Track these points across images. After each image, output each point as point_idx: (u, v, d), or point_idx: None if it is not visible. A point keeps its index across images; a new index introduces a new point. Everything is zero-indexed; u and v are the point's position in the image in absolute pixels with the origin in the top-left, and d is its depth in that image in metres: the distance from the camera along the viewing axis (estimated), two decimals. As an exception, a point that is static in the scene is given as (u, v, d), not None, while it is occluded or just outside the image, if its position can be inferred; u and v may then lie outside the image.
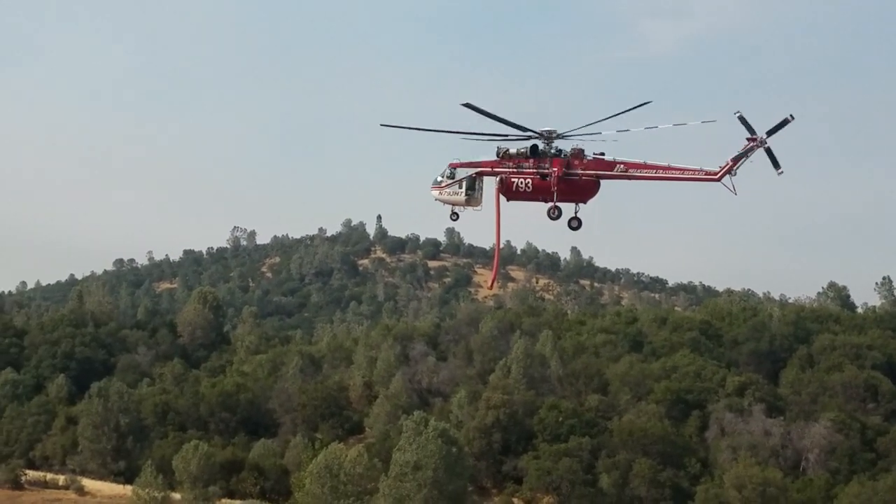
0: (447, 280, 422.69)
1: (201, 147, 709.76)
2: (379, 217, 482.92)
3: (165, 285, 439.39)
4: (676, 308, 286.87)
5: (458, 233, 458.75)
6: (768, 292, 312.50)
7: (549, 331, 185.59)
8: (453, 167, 37.07)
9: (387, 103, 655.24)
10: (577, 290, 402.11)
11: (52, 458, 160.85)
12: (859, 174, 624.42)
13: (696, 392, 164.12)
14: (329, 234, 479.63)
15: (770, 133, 36.38)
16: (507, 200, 36.83)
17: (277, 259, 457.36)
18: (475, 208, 39.82)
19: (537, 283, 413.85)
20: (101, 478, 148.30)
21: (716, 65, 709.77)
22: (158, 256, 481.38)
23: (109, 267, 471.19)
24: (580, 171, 35.76)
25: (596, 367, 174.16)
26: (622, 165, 36.04)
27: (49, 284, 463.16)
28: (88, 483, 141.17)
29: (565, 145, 37.55)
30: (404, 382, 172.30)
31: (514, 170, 35.87)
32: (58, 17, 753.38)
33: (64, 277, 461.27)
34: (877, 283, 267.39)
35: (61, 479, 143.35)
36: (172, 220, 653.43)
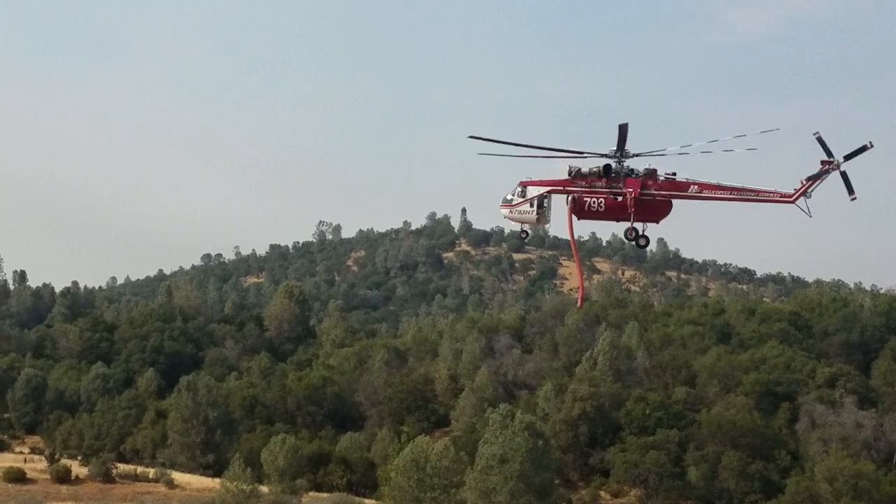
0: (532, 272, 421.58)
1: (288, 141, 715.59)
2: (464, 210, 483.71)
3: (252, 280, 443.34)
4: (765, 299, 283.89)
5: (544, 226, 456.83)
6: (859, 282, 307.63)
7: (635, 322, 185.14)
8: (524, 185, 36.82)
9: (474, 93, 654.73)
10: (663, 282, 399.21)
11: (142, 452, 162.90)
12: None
13: (786, 384, 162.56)
14: (414, 227, 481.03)
15: (847, 157, 35.53)
16: (579, 219, 36.76)
17: (363, 252, 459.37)
18: (545, 226, 40.27)
19: (623, 274, 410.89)
20: (191, 471, 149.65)
21: (806, 48, 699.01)
22: (245, 251, 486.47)
23: (197, 262, 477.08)
24: (654, 192, 35.26)
25: (683, 359, 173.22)
26: (696, 186, 35.58)
27: (138, 280, 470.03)
28: (178, 476, 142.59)
29: (636, 165, 37.05)
30: (490, 375, 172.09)
31: (587, 189, 35.46)
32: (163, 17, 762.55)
33: (153, 273, 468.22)
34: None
35: (151, 472, 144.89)
36: (259, 214, 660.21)
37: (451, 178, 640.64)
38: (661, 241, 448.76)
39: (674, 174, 36.57)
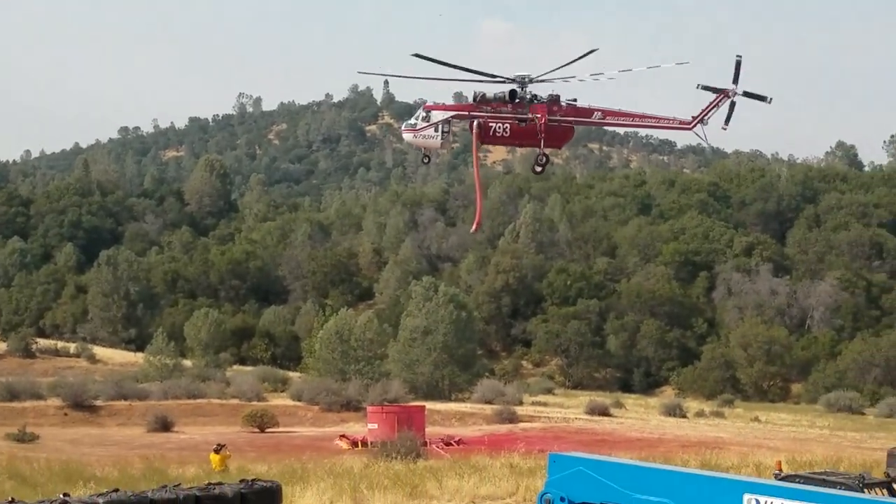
0: (456, 146, 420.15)
1: (207, 9, 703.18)
2: (386, 82, 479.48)
3: (171, 153, 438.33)
4: (685, 170, 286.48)
5: (467, 98, 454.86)
6: (776, 153, 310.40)
7: (557, 195, 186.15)
8: (428, 109, 35.75)
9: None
10: (585, 154, 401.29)
11: (62, 327, 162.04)
12: (869, 28, 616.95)
13: (704, 253, 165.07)
14: (336, 99, 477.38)
15: (746, 95, 35.66)
16: (483, 144, 36.52)
17: (284, 126, 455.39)
18: (447, 151, 39.56)
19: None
20: (112, 346, 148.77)
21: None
22: (164, 124, 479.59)
23: (115, 135, 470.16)
24: (559, 118, 34.88)
25: (604, 231, 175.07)
26: (600, 113, 35.09)
27: (54, 153, 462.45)
28: (99, 351, 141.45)
29: (540, 91, 35.99)
30: (413, 248, 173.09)
31: (492, 114, 34.75)
32: None
33: (69, 146, 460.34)
34: (885, 142, 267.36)
35: (72, 346, 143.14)
36: (177, 86, 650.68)
37: (374, 49, 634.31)
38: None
39: (574, 100, 35.91)
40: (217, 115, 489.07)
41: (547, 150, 34.82)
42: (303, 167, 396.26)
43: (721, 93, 35.04)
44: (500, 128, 34.64)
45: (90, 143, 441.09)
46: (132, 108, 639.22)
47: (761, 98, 35.02)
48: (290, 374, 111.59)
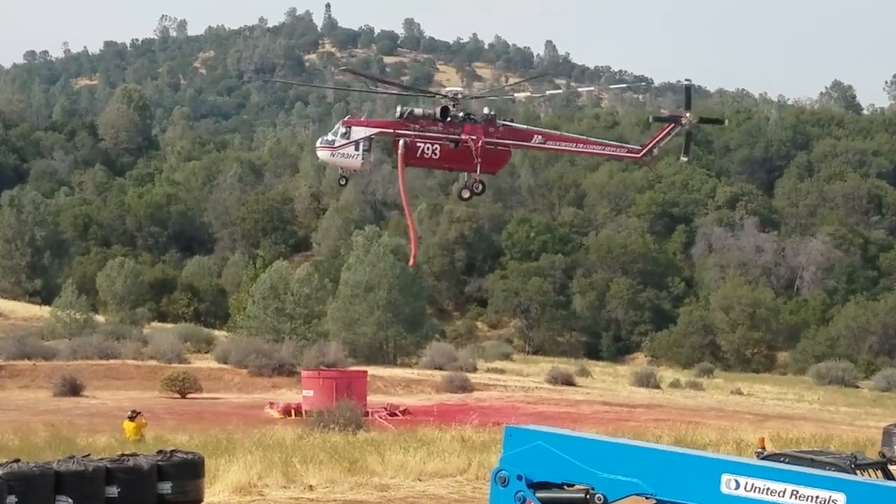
0: (405, 79, 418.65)
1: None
2: (328, 6, 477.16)
3: (84, 82, 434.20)
4: (662, 111, 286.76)
5: (419, 24, 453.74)
6: (765, 93, 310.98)
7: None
8: (349, 125, 35.68)
9: None
10: (551, 91, 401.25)
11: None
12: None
13: (683, 205, 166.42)
14: (270, 24, 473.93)
15: (702, 121, 36.61)
16: (409, 166, 36.08)
17: (212, 53, 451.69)
18: (368, 172, 38.34)
19: (507, 82, 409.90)
20: (15, 297, 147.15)
21: None
22: (76, 49, 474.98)
23: (19, 60, 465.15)
24: (495, 140, 34.71)
25: (571, 178, 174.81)
26: (540, 136, 35.33)
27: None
28: (1, 304, 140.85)
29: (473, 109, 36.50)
30: (356, 194, 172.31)
31: (421, 133, 34.53)
32: None
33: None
34: (886, 83, 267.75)
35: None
36: (91, 5, 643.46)
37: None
38: (550, 44, 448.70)
39: (511, 120, 36.23)
40: (136, 39, 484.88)
41: (482, 177, 34.70)
42: (232, 100, 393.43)
43: (673, 122, 35.61)
44: (428, 149, 34.57)
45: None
46: (39, 30, 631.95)
47: (717, 121, 35.81)
48: (216, 332, 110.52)
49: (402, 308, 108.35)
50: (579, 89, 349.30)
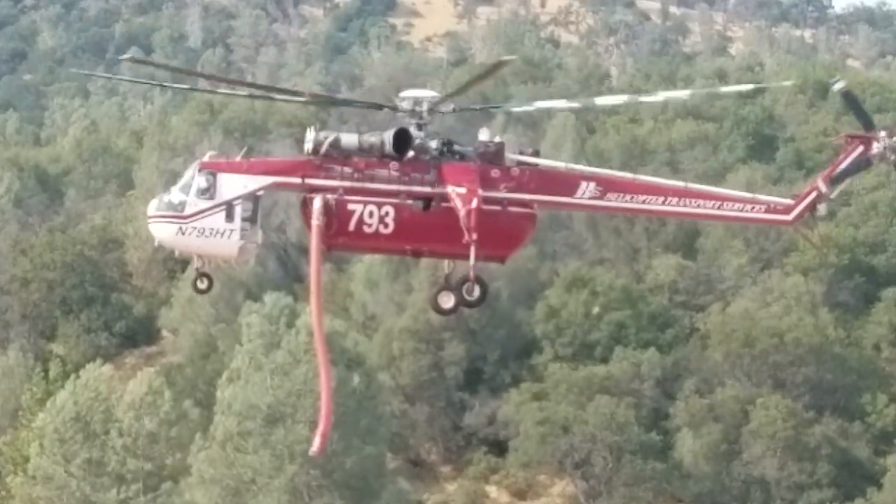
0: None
1: None
2: None
3: None
4: (838, 85, 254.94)
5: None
6: None
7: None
8: (211, 170, 28.70)
9: None
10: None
11: None
12: None
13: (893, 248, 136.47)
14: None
15: None
16: (329, 250, 29.65)
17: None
18: (247, 262, 32.54)
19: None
20: None
21: None
22: None
23: None
24: (506, 194, 28.37)
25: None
26: (593, 185, 28.82)
27: None
28: None
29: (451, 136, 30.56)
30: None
31: (356, 184, 28.28)
32: None
33: None
34: None
35: None
36: None
37: None
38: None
39: (535, 153, 30.40)
40: None
41: (479, 266, 29.16)
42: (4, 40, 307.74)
43: (862, 142, 30.72)
44: (371, 214, 29.09)
45: None
46: None
47: None
48: None
49: (341, 460, 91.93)
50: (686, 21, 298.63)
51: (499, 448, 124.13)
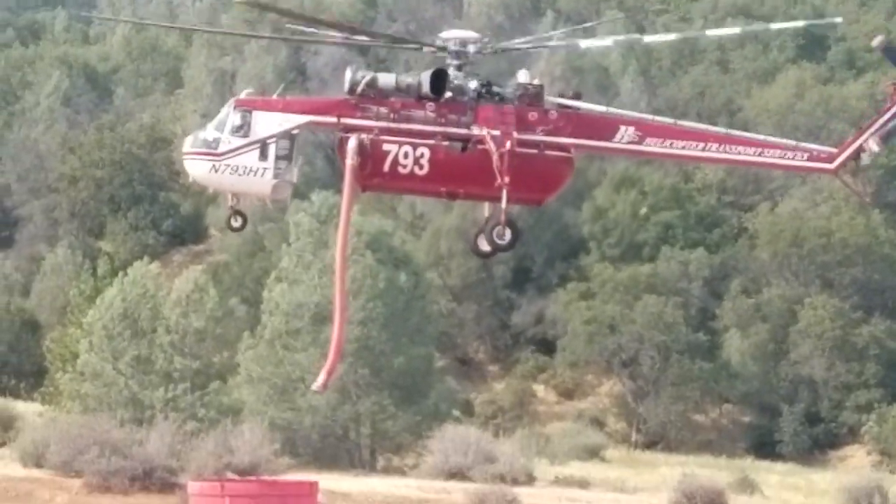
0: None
1: None
2: None
3: None
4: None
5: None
6: None
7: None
8: (246, 108, 28.37)
9: None
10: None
11: None
12: None
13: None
14: None
15: None
16: (364, 190, 29.99)
17: None
18: (283, 200, 32.29)
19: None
20: None
21: None
22: None
23: None
24: (542, 138, 27.89)
25: (724, 96, 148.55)
26: (632, 129, 28.44)
27: None
28: None
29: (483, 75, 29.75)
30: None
31: (392, 124, 27.81)
32: None
33: None
34: None
35: None
36: None
37: None
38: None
39: (576, 95, 29.89)
40: None
41: (513, 210, 28.99)
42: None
43: None
44: (407, 155, 28.89)
45: None
46: None
47: None
48: (20, 407, 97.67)
49: (389, 359, 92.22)
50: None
51: (546, 347, 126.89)
